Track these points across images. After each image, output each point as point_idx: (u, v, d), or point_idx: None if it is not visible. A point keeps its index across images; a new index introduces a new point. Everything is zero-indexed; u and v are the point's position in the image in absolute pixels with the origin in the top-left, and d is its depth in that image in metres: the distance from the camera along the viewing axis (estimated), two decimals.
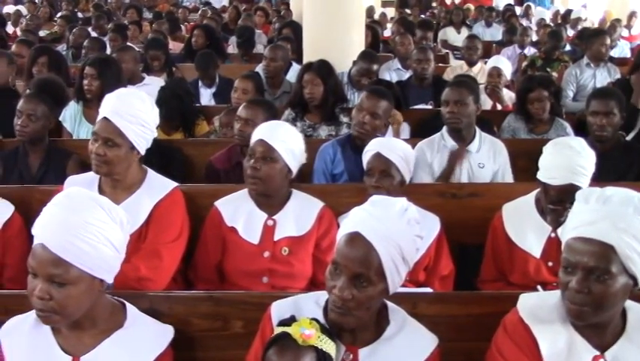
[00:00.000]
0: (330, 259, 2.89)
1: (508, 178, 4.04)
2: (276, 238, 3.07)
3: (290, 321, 2.02)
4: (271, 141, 3.02)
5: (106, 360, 2.07)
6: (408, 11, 13.00)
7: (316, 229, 3.11)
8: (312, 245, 3.10)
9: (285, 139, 3.05)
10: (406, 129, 4.84)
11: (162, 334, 2.19)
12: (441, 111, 4.10)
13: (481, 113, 4.31)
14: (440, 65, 7.31)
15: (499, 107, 5.80)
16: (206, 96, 6.15)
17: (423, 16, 12.89)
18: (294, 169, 3.09)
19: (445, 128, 4.09)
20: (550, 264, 3.10)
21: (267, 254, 3.05)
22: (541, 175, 3.07)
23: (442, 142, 4.06)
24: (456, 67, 7.14)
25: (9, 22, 10.97)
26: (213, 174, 3.98)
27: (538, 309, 2.08)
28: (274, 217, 3.09)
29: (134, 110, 2.87)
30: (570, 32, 10.68)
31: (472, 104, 4.03)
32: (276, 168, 3.03)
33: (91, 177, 3.00)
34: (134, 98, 2.92)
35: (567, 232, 2.00)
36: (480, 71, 6.73)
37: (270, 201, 3.11)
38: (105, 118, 2.89)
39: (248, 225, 3.08)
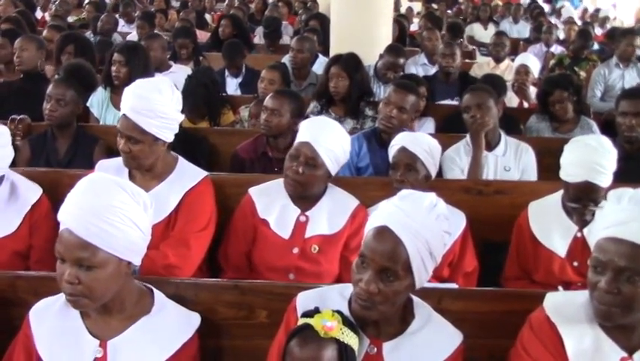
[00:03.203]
0: (354, 259, 2.95)
1: (532, 179, 4.03)
2: (307, 235, 3.04)
3: (313, 313, 2.01)
4: (317, 147, 2.98)
5: (133, 345, 2.09)
6: (435, 6, 12.91)
7: (348, 228, 3.06)
8: (342, 244, 3.07)
9: (332, 146, 3.00)
10: (431, 125, 4.83)
11: (189, 321, 2.20)
12: (464, 118, 4.09)
13: (508, 110, 4.30)
14: (467, 61, 7.27)
15: (525, 104, 5.77)
16: (232, 86, 6.17)
17: (450, 11, 12.81)
18: (334, 172, 3.07)
19: (468, 135, 4.09)
20: (575, 264, 3.09)
21: (296, 250, 3.02)
22: (561, 173, 3.06)
23: (467, 147, 4.06)
24: (483, 63, 7.12)
25: (38, 8, 11.03)
26: (238, 164, 3.99)
27: (565, 308, 2.07)
28: (307, 213, 3.06)
29: (152, 105, 2.86)
30: (598, 31, 10.59)
31: (494, 107, 4.03)
32: (318, 174, 3.01)
33: (121, 162, 3.00)
34: (151, 92, 2.88)
35: (598, 232, 1.99)
36: (507, 68, 6.70)
37: (305, 197, 3.08)
38: (125, 115, 2.90)
39: (280, 219, 3.05)
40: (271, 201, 3.09)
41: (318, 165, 2.98)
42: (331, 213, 3.07)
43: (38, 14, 10.51)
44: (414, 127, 4.45)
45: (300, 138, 3.06)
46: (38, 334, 2.12)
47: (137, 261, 2.09)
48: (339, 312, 2.01)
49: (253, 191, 3.14)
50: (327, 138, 3.01)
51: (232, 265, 3.11)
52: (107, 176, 2.12)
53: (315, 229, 3.04)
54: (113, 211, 1.98)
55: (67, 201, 2.03)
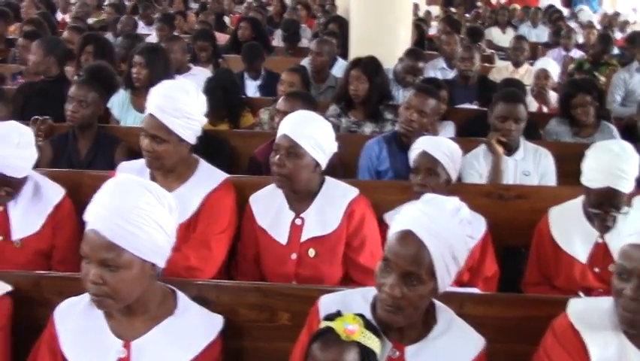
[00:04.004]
0: (363, 259, 2.95)
1: (552, 184, 4.02)
2: (302, 239, 2.98)
3: (335, 316, 2.02)
4: (295, 136, 2.89)
5: (156, 346, 2.11)
6: (453, 10, 12.89)
7: (345, 226, 2.98)
8: (342, 245, 2.99)
9: (311, 133, 2.90)
10: (451, 128, 4.83)
11: (212, 323, 2.21)
12: (491, 122, 4.07)
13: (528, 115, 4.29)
14: (485, 65, 7.26)
15: (544, 109, 5.75)
16: (251, 88, 6.18)
17: (468, 15, 12.78)
18: (323, 162, 2.96)
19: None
20: (596, 270, 3.07)
21: (294, 256, 2.97)
22: (583, 178, 3.04)
23: (486, 153, 4.05)
24: (502, 68, 7.10)
25: (58, 10, 11.11)
26: (255, 168, 4.00)
27: (589, 315, 2.07)
28: (302, 215, 3.00)
29: (178, 105, 2.88)
30: (618, 35, 10.52)
31: (525, 120, 4.03)
32: (302, 165, 2.90)
33: (143, 165, 3.02)
34: (178, 92, 2.91)
35: (623, 239, 1.98)
36: (526, 73, 6.67)
37: (300, 195, 3.01)
38: (151, 114, 2.92)
39: (276, 224, 3.01)
40: (267, 207, 3.05)
41: (300, 154, 2.88)
42: (325, 211, 2.98)
43: (58, 16, 10.59)
44: (437, 131, 4.45)
45: (278, 132, 2.98)
46: (63, 333, 2.14)
47: (161, 263, 2.10)
48: (361, 315, 2.02)
49: (253, 198, 3.11)
50: (305, 126, 2.93)
51: (241, 272, 3.11)
52: (134, 177, 2.14)
53: (310, 231, 2.97)
54: (139, 213, 1.99)
55: (94, 201, 2.04)
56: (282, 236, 2.99)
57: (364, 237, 2.99)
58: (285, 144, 2.91)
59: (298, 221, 3.00)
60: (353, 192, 3.05)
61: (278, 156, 2.92)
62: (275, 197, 3.05)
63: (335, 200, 3.01)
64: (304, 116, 3.02)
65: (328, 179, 3.07)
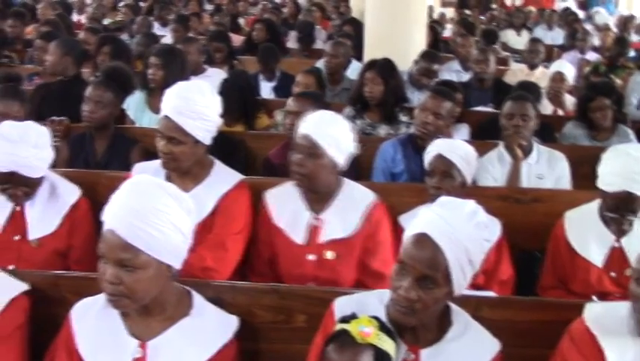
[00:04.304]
0: (376, 264, 2.95)
1: (566, 188, 4.00)
2: (320, 240, 2.98)
3: (350, 318, 2.02)
4: (315, 136, 2.90)
5: (172, 347, 2.11)
6: (468, 12, 12.86)
7: (363, 228, 2.98)
8: (359, 248, 2.99)
9: (331, 133, 2.91)
10: (466, 131, 4.82)
11: (227, 324, 2.22)
12: (501, 123, 4.06)
13: (542, 118, 4.30)
14: (500, 67, 7.23)
15: (560, 112, 5.73)
16: (266, 90, 6.19)
17: (483, 17, 12.74)
18: (342, 163, 2.97)
19: (502, 144, 4.07)
20: (612, 274, 3.06)
21: (311, 257, 2.97)
22: (599, 182, 3.03)
23: (501, 157, 4.05)
24: (517, 70, 7.07)
25: (74, 11, 11.18)
26: (270, 169, 4.01)
27: (606, 319, 2.06)
28: (320, 216, 3.00)
29: (195, 106, 2.89)
30: (634, 38, 10.46)
31: (534, 118, 4.04)
32: (321, 164, 2.91)
33: (158, 165, 3.04)
34: (194, 93, 2.92)
35: None
36: (541, 75, 6.64)
37: (318, 196, 3.01)
38: (166, 116, 2.92)
39: (293, 223, 3.01)
40: (284, 205, 3.05)
41: (320, 154, 2.89)
42: (345, 213, 2.99)
43: (74, 17, 10.65)
44: (450, 133, 4.44)
45: (298, 131, 2.98)
46: (79, 333, 2.15)
47: (177, 264, 2.10)
48: (376, 318, 2.02)
49: (267, 195, 3.11)
50: (326, 126, 2.93)
51: (255, 272, 3.10)
52: (152, 179, 2.14)
53: (329, 232, 2.98)
54: (157, 214, 2.00)
55: (112, 201, 2.05)
56: (299, 236, 2.99)
57: (379, 242, 2.99)
58: (305, 143, 2.92)
59: (316, 222, 3.00)
60: (372, 196, 3.06)
61: (298, 156, 2.92)
62: (292, 196, 3.05)
63: (355, 202, 3.01)
64: (325, 117, 3.02)
65: (346, 180, 3.07)
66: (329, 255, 2.96)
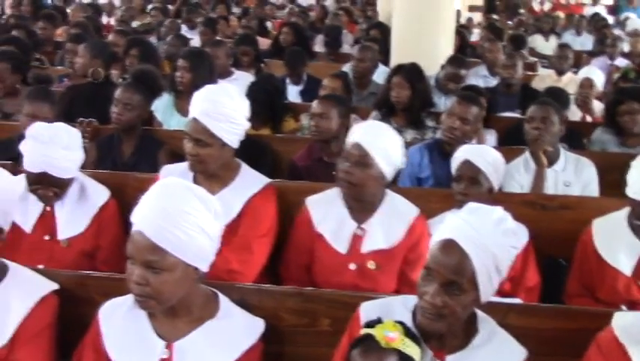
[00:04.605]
0: (415, 275, 2.93)
1: (594, 195, 3.96)
2: (363, 250, 2.97)
3: (376, 323, 2.02)
4: (367, 146, 2.90)
5: (198, 348, 2.12)
6: (495, 17, 12.79)
7: (406, 240, 2.98)
8: (401, 259, 2.98)
9: (382, 145, 2.92)
10: (492, 137, 4.79)
11: (253, 326, 2.22)
12: (525, 128, 4.05)
13: (570, 124, 4.26)
14: (528, 73, 7.19)
15: (588, 118, 5.68)
16: (293, 93, 6.19)
17: (510, 22, 12.65)
18: (389, 175, 2.98)
19: (528, 151, 4.06)
20: None
21: (352, 267, 2.97)
22: (628, 190, 3.00)
23: (527, 164, 4.02)
24: (545, 76, 7.02)
25: (103, 13, 11.29)
26: (295, 173, 4.03)
27: (635, 329, 2.04)
28: (363, 226, 2.99)
29: (223, 109, 2.91)
30: None
31: (557, 123, 3.99)
32: (371, 174, 2.91)
33: (186, 168, 3.05)
34: (222, 96, 2.94)
35: None
36: (570, 81, 6.59)
37: (362, 205, 3.01)
38: (195, 119, 2.94)
39: (336, 232, 3.00)
40: (327, 213, 3.04)
41: (369, 164, 2.89)
42: (388, 224, 2.99)
43: (104, 19, 10.76)
44: (484, 138, 4.43)
45: (349, 139, 2.99)
46: (107, 333, 2.17)
47: (204, 267, 2.11)
48: (401, 323, 2.02)
49: (310, 202, 3.11)
50: (378, 138, 2.94)
51: (292, 277, 3.09)
52: (181, 181, 2.16)
53: (372, 243, 2.97)
54: (185, 217, 2.01)
55: (141, 203, 2.07)
56: (341, 245, 2.99)
57: (420, 254, 2.97)
58: (355, 152, 2.92)
59: (359, 231, 3.00)
60: (416, 209, 3.06)
61: (347, 164, 2.92)
62: (335, 204, 3.05)
63: (399, 214, 3.01)
64: (377, 127, 3.04)
65: (389, 192, 3.07)
66: (370, 265, 2.96)
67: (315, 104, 4.06)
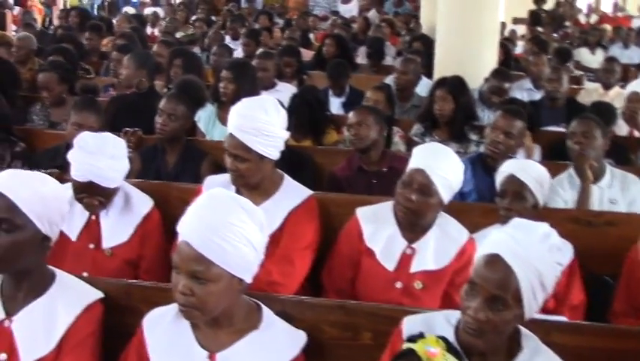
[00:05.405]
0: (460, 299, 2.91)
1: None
2: (411, 270, 2.95)
3: (418, 338, 2.01)
4: (432, 174, 2.86)
5: (240, 359, 2.13)
6: (540, 29, 12.62)
7: (455, 263, 2.95)
8: (447, 281, 2.96)
9: (446, 173, 2.88)
10: (537, 152, 4.73)
11: (295, 339, 2.22)
12: (567, 144, 3.99)
13: (617, 139, 4.20)
14: (573, 86, 7.09)
15: (636, 133, 5.57)
16: (335, 105, 6.19)
17: (556, 35, 12.48)
18: (447, 200, 2.96)
19: (572, 166, 4.00)
20: None
21: (399, 285, 2.94)
22: None
23: (571, 179, 3.97)
24: (591, 90, 6.90)
25: (148, 24, 11.44)
26: (335, 183, 4.03)
27: None
28: (414, 245, 2.97)
29: (257, 124, 2.90)
30: None
31: (600, 138, 3.93)
32: (431, 203, 2.89)
33: (229, 179, 3.07)
34: (257, 110, 2.93)
35: None
36: (617, 96, 6.48)
37: (415, 227, 2.99)
38: (231, 134, 2.96)
39: (387, 249, 2.97)
40: (378, 229, 3.01)
41: (432, 193, 2.87)
42: (439, 246, 2.95)
43: (148, 30, 10.90)
44: (532, 152, 4.38)
45: (412, 164, 2.95)
46: (151, 341, 2.19)
47: (248, 279, 2.11)
48: (444, 338, 2.00)
49: (361, 214, 3.07)
50: (442, 165, 2.90)
51: (335, 289, 3.08)
52: (228, 193, 2.17)
53: (420, 263, 2.95)
54: (231, 229, 2.02)
55: (188, 213, 2.08)
56: (390, 262, 2.96)
57: (467, 278, 2.94)
58: (418, 179, 2.89)
59: (409, 250, 2.98)
60: (467, 233, 3.03)
61: (409, 191, 2.89)
62: (386, 220, 3.02)
63: (450, 237, 2.98)
64: (441, 154, 2.97)
65: (442, 213, 3.03)
66: (417, 285, 2.94)
67: (351, 114, 4.11)
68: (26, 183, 2.22)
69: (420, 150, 3.03)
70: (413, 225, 2.98)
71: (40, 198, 2.21)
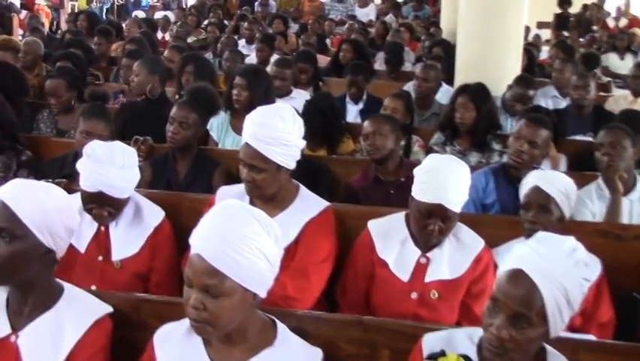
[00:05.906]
0: (478, 309, 2.82)
1: None
2: (426, 280, 2.91)
3: (439, 355, 1.98)
4: (448, 204, 2.82)
5: None
6: (566, 34, 12.41)
7: (471, 272, 2.91)
8: (464, 290, 2.91)
9: (455, 195, 2.84)
10: (563, 161, 4.61)
11: (311, 356, 2.15)
12: (595, 155, 3.88)
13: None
14: (601, 93, 6.93)
15: None
16: (352, 113, 6.05)
17: (582, 39, 12.26)
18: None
19: (601, 177, 3.90)
20: None
21: (414, 295, 2.90)
22: None
23: (599, 191, 3.86)
24: (620, 97, 6.70)
25: (159, 29, 11.34)
26: (351, 194, 3.95)
27: None
28: (428, 255, 2.92)
29: (274, 133, 2.82)
30: None
31: (630, 148, 3.83)
32: (452, 226, 2.88)
33: (242, 190, 2.98)
34: (273, 119, 2.84)
35: None
36: None
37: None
38: (247, 143, 2.88)
39: (400, 260, 2.93)
40: (391, 239, 2.97)
41: (451, 216, 2.84)
42: (454, 255, 2.92)
43: (159, 35, 10.80)
44: (558, 162, 4.27)
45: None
46: (162, 358, 2.13)
47: (263, 293, 2.05)
48: (465, 357, 1.96)
49: (372, 226, 3.04)
50: (455, 188, 2.84)
51: (349, 302, 3.02)
52: (242, 204, 2.10)
53: (435, 273, 2.90)
54: (245, 241, 1.95)
55: (200, 226, 2.02)
56: (404, 273, 2.92)
57: (485, 287, 2.89)
58: (440, 212, 2.83)
59: (423, 260, 2.93)
60: (482, 241, 2.99)
61: (432, 222, 2.84)
62: (399, 230, 2.98)
63: (465, 246, 2.95)
64: (454, 180, 2.86)
65: (457, 223, 2.98)
66: (433, 295, 2.89)
67: (366, 124, 4.04)
68: (29, 194, 2.17)
69: (431, 180, 2.88)
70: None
71: (42, 210, 2.16)
